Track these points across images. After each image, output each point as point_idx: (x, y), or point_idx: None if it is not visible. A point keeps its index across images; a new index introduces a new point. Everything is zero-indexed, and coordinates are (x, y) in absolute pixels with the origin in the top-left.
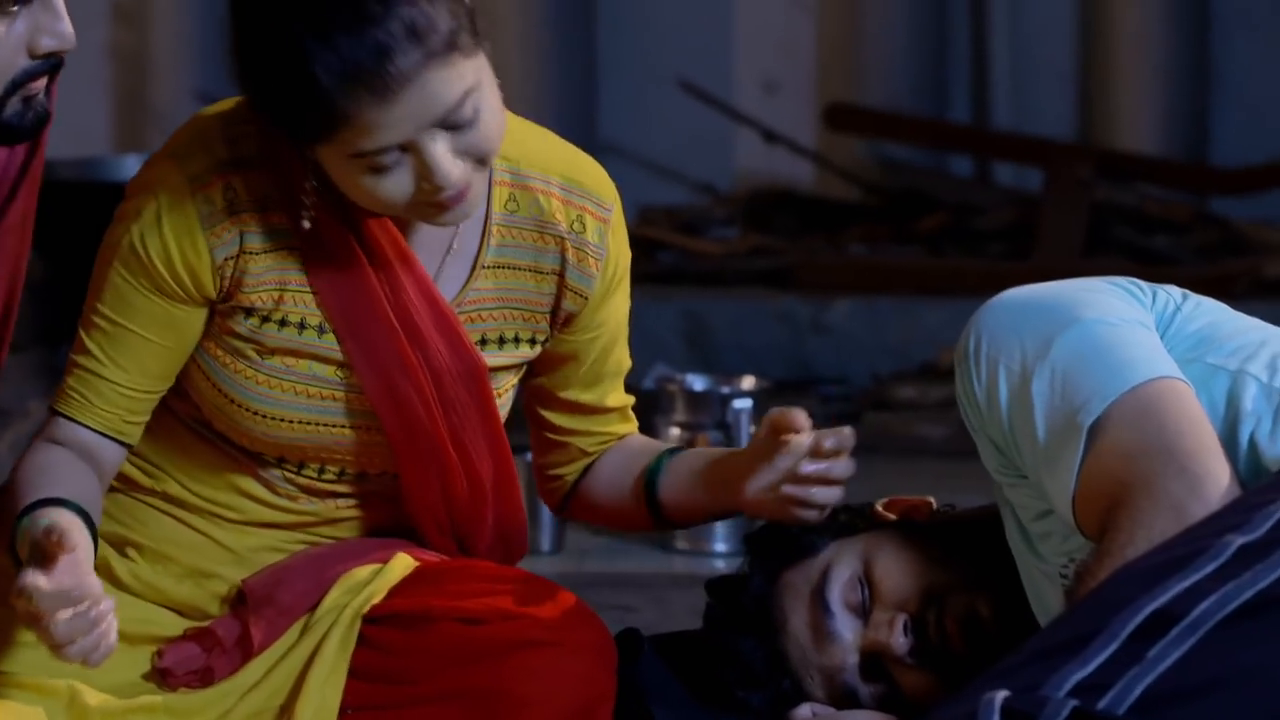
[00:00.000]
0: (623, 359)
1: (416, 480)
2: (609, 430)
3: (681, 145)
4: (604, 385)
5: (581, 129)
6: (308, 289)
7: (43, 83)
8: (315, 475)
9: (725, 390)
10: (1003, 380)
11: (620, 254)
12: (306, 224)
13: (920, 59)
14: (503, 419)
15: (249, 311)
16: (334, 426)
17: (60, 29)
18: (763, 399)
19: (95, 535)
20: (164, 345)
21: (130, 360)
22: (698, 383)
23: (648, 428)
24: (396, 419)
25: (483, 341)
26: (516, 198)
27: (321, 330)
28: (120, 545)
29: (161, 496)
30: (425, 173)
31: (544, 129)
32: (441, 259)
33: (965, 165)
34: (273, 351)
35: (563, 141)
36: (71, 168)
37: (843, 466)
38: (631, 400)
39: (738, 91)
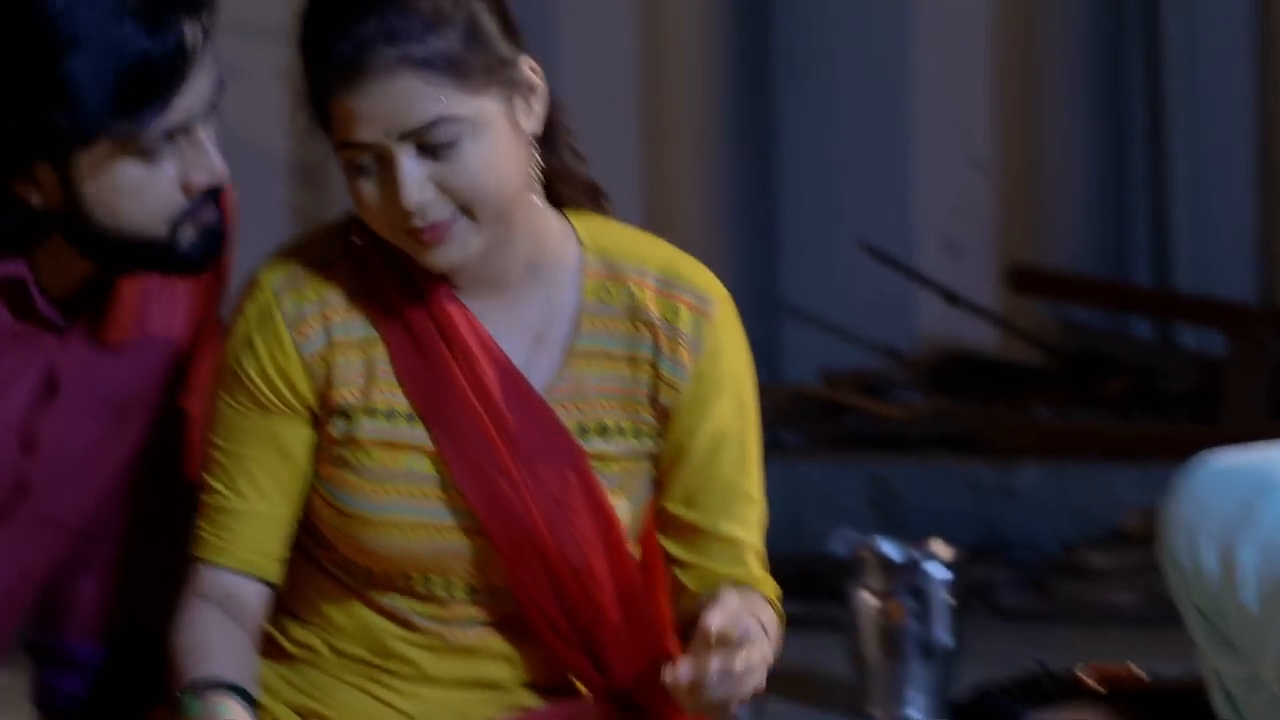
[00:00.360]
0: (738, 482)
1: (522, 578)
2: (715, 567)
3: (862, 308)
4: (712, 507)
5: (762, 291)
6: (393, 377)
7: (213, 213)
8: (445, 594)
9: (918, 556)
10: (1210, 548)
11: (724, 354)
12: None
13: (1100, 220)
14: (627, 523)
15: (344, 412)
16: (442, 529)
17: (209, 164)
18: (956, 565)
19: (255, 706)
20: (275, 464)
21: (248, 485)
22: (889, 548)
23: (837, 593)
24: (490, 510)
25: (583, 430)
26: (609, 287)
27: (411, 419)
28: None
29: (340, 656)
30: (392, 188)
31: (654, 236)
32: (528, 347)
33: (1146, 327)
34: (370, 450)
35: (669, 245)
36: None
37: (740, 660)
38: (753, 543)
39: (918, 253)
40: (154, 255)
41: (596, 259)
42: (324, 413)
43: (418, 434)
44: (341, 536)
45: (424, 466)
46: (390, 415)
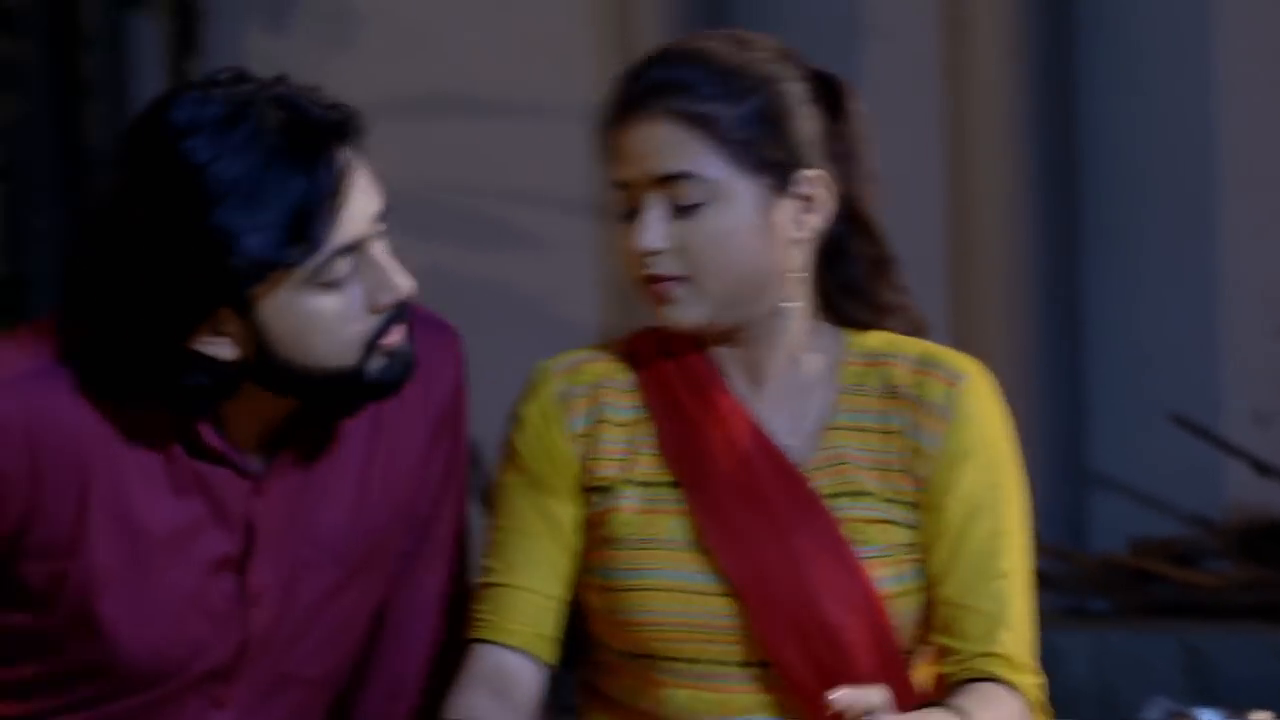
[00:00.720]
0: (993, 556)
1: (779, 646)
2: (966, 646)
3: (1171, 477)
4: (963, 581)
5: (1070, 460)
6: (656, 450)
7: (400, 333)
8: (720, 670)
9: None
10: None
11: (974, 421)
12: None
13: None
14: (891, 597)
15: (604, 487)
16: (701, 594)
17: (394, 282)
18: None
19: None
20: (546, 543)
21: (522, 563)
22: (1210, 717)
23: None
24: (744, 573)
25: (838, 495)
26: (867, 373)
27: (671, 486)
28: None
29: None
30: (636, 231)
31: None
32: (786, 427)
33: None
34: (628, 518)
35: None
36: None
37: None
38: (1011, 621)
39: (1227, 423)
40: (343, 385)
41: (859, 353)
42: (586, 490)
43: (676, 499)
44: (607, 620)
45: (681, 531)
46: (650, 484)
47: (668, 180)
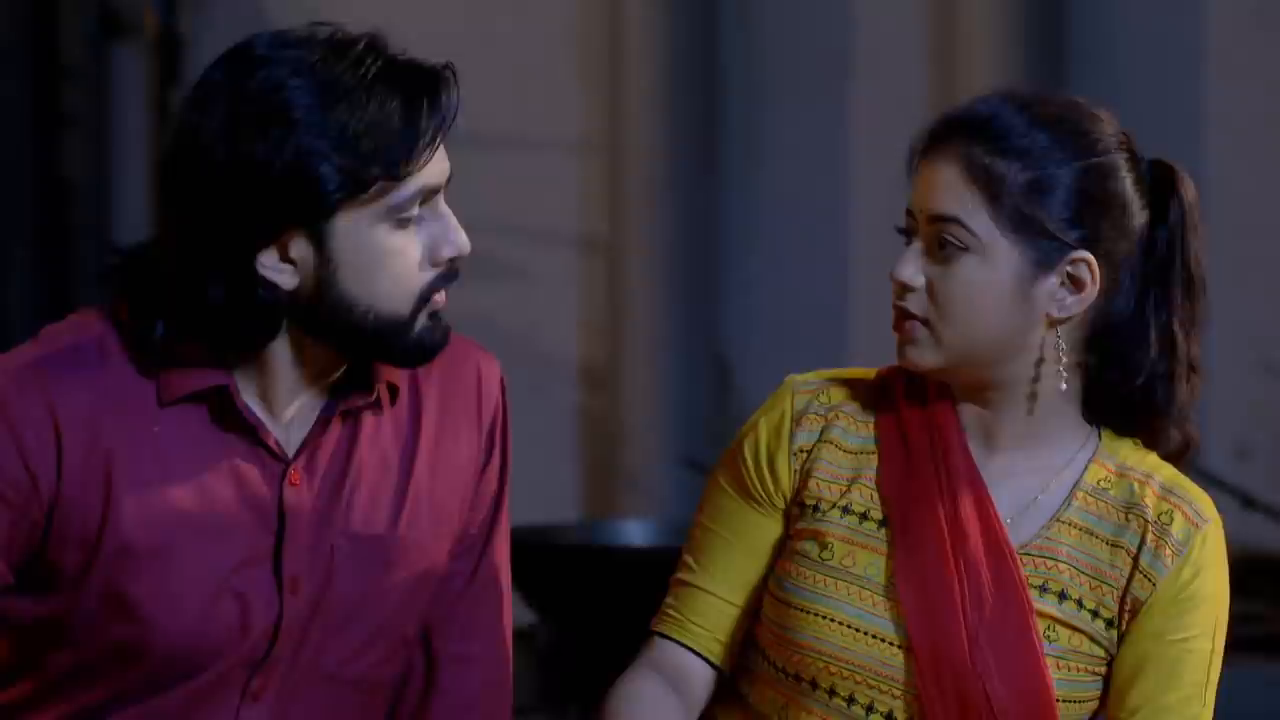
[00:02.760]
0: (1192, 706)
1: (935, 708)
2: None
3: None
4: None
5: None
6: (876, 485)
7: (444, 297)
8: (863, 713)
9: None
10: None
11: (1209, 571)
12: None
13: None
14: (1057, 696)
15: (816, 506)
16: (878, 638)
17: (455, 238)
18: None
19: None
20: (742, 556)
21: (718, 568)
22: None
23: None
24: (922, 628)
25: (1043, 590)
26: (1112, 481)
27: (881, 524)
28: None
29: None
30: (899, 261)
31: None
32: (1016, 504)
33: None
34: (832, 544)
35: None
36: (577, 532)
37: None
38: None
39: (1210, 457)
40: (389, 339)
41: (1110, 457)
42: (796, 507)
43: (881, 538)
44: (776, 633)
45: (877, 570)
46: (863, 518)
47: (939, 220)
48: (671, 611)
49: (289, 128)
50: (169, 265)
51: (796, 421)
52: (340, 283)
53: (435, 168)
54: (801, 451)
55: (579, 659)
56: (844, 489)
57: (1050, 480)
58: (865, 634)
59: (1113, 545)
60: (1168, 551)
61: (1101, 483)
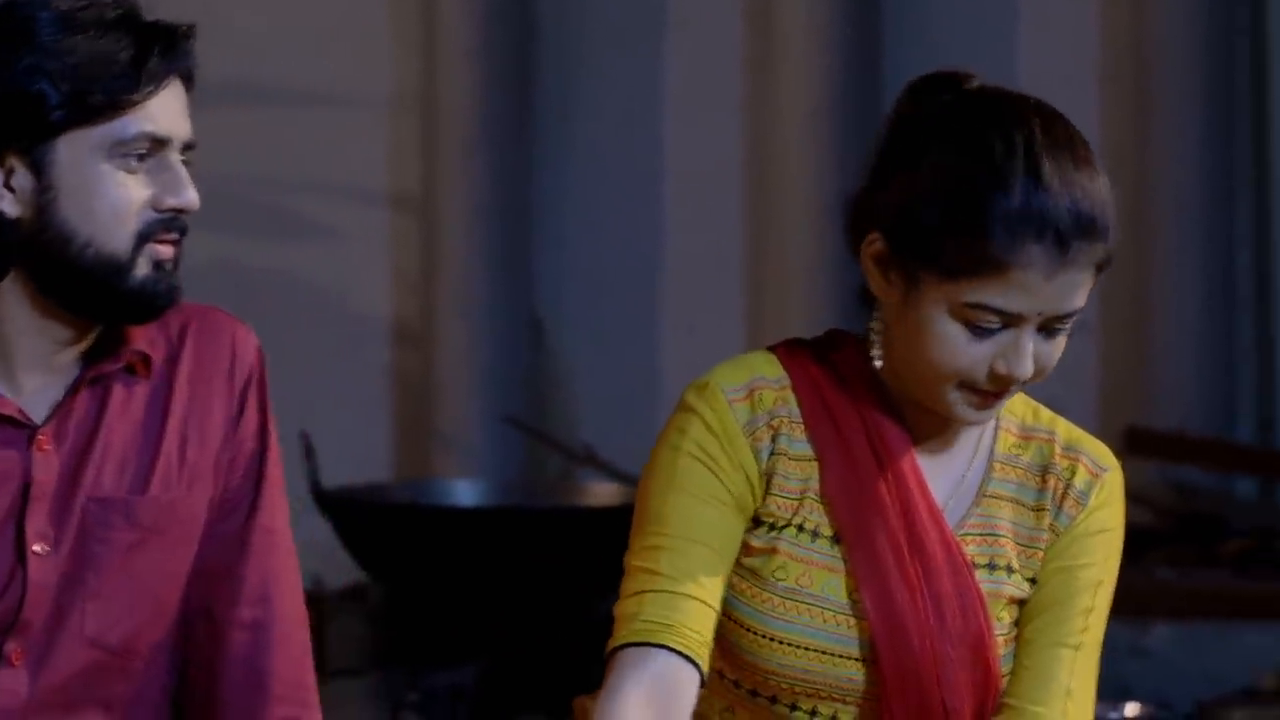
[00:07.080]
0: (1065, 666)
1: (896, 714)
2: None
3: None
4: (1027, 686)
5: None
6: (820, 498)
7: (170, 250)
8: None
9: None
10: None
11: (1103, 510)
12: (878, 362)
13: (1206, 381)
14: (1002, 675)
15: (771, 525)
16: (843, 657)
17: (183, 192)
18: None
19: None
20: (714, 558)
21: (697, 570)
22: None
23: None
24: (889, 634)
25: (993, 567)
26: (1023, 445)
27: (834, 541)
28: None
29: None
30: (1008, 355)
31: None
32: (949, 490)
33: (1247, 485)
34: (788, 565)
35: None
36: (403, 491)
37: None
38: (1085, 713)
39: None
40: (108, 286)
41: (1010, 419)
42: (752, 522)
43: (837, 555)
44: (735, 654)
45: (837, 591)
46: (815, 535)
47: (1063, 317)
48: (650, 621)
49: (24, 51)
50: None
51: (750, 435)
52: (60, 210)
53: (168, 118)
54: (765, 468)
55: (410, 618)
56: (795, 505)
57: (972, 456)
58: (828, 654)
59: (1036, 511)
60: (1070, 504)
61: (1012, 449)
